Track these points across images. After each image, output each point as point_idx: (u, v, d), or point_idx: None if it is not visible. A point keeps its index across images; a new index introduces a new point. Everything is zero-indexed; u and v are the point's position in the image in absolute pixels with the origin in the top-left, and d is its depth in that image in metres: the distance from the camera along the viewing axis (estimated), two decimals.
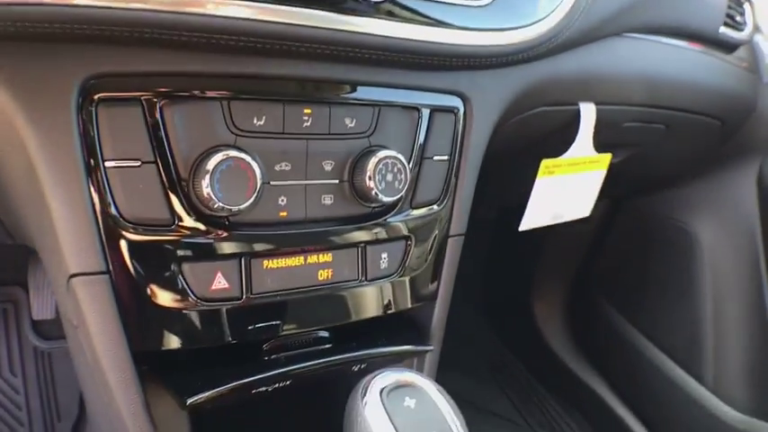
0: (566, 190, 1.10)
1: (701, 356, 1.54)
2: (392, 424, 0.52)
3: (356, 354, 0.77)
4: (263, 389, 0.71)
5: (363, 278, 0.76)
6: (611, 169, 1.23)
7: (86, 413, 1.59)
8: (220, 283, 0.68)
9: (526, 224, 1.08)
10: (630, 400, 1.69)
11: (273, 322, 0.72)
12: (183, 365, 0.73)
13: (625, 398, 1.70)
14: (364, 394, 0.55)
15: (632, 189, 1.64)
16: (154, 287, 0.65)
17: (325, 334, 0.79)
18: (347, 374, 0.78)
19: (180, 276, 0.66)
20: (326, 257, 0.74)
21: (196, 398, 0.67)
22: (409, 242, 0.79)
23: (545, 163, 1.03)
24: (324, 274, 0.74)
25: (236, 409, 0.95)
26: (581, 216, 1.21)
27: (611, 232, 1.75)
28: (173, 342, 0.68)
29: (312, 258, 0.73)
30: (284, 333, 0.73)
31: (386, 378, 0.57)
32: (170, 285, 0.66)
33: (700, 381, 1.54)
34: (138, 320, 0.66)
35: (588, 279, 1.81)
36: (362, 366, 0.78)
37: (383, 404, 0.54)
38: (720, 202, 1.53)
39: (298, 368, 0.73)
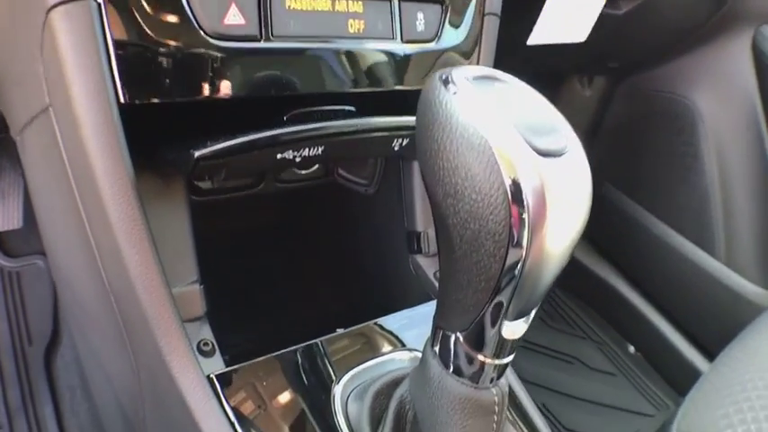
0: (571, 10, 1.12)
1: (711, 231, 1.49)
2: (485, 104, 0.41)
3: (393, 120, 0.66)
4: (290, 154, 0.60)
5: (398, 37, 0.66)
6: (614, 29, 1.18)
7: (60, 332, 1.44)
8: (235, 16, 0.56)
9: (534, 39, 1.10)
10: (641, 284, 1.64)
11: (296, 76, 0.61)
12: (188, 130, 0.60)
13: (635, 282, 1.65)
14: (447, 83, 0.43)
15: (632, 58, 1.58)
16: (152, 18, 0.53)
17: (351, 108, 0.68)
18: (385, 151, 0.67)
19: (185, 4, 0.54)
20: (357, 6, 0.63)
21: (206, 150, 0.55)
22: (445, 6, 0.69)
23: None
24: (355, 26, 0.63)
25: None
26: (578, 40, 1.21)
27: (611, 114, 1.69)
28: (172, 91, 0.55)
29: (341, 5, 0.62)
30: (308, 91, 0.62)
31: (464, 70, 0.45)
32: (172, 15, 0.54)
33: (712, 255, 1.49)
34: (130, 61, 0.54)
35: (592, 162, 1.74)
36: (403, 143, 0.67)
37: (473, 88, 0.42)
38: (718, 73, 1.50)
39: (328, 128, 0.62)
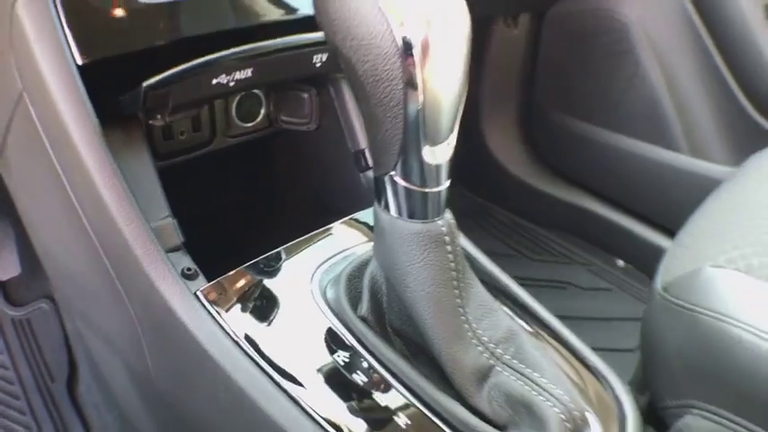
0: None
1: (668, 128, 1.54)
2: None
3: (309, 37, 0.75)
4: (224, 78, 0.68)
5: None
6: None
7: (75, 361, 1.51)
8: None
9: None
10: (614, 198, 1.68)
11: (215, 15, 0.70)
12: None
13: (608, 198, 1.69)
14: None
15: None
16: None
17: None
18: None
19: None
20: None
21: (152, 81, 0.64)
22: None
23: None
24: None
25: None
26: None
27: (544, 46, 1.74)
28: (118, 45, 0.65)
29: None
30: (231, 27, 0.71)
31: None
32: None
33: (675, 150, 1.54)
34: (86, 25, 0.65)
35: (536, 95, 1.80)
36: (323, 58, 0.76)
37: None
38: None
39: (252, 50, 0.71)
